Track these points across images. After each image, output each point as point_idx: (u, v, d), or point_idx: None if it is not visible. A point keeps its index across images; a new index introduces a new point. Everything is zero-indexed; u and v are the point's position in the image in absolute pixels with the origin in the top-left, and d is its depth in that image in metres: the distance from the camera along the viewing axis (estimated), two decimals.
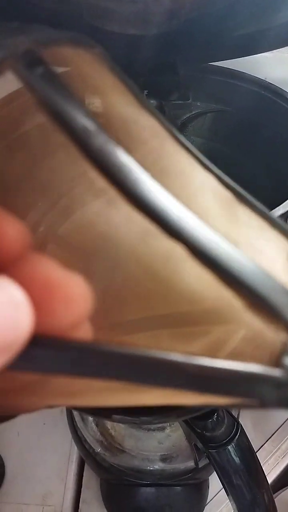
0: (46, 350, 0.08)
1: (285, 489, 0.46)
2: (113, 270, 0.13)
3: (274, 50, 0.39)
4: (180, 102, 0.35)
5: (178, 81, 0.35)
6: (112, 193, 0.10)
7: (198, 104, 0.36)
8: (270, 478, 0.47)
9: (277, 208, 0.27)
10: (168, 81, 0.35)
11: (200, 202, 0.13)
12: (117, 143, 0.10)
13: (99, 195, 0.13)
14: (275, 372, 0.09)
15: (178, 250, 0.09)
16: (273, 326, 0.09)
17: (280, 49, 0.39)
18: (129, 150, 0.10)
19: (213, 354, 0.10)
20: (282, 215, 0.27)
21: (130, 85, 0.14)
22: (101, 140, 0.10)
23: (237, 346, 0.10)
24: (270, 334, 0.09)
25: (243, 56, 0.34)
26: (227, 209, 0.13)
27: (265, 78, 0.36)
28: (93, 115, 0.10)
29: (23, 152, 0.13)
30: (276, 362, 0.09)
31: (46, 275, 0.09)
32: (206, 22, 0.29)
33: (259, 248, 0.12)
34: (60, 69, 0.12)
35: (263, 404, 0.09)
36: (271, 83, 0.34)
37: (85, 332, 0.10)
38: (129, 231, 0.12)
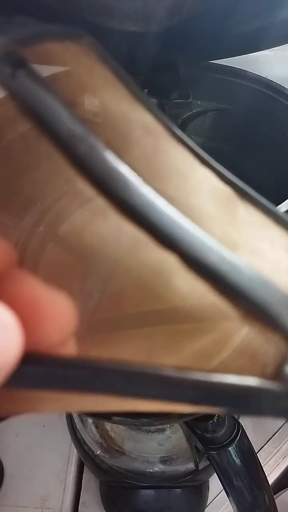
0: (35, 368, 0.08)
1: (286, 490, 0.45)
2: (103, 283, 0.12)
3: (275, 48, 0.39)
4: (180, 101, 0.35)
5: (179, 80, 0.35)
6: (100, 202, 0.09)
7: (199, 102, 0.36)
8: (271, 480, 0.46)
9: (278, 206, 0.26)
10: (169, 80, 0.34)
11: (196, 204, 0.12)
12: (106, 146, 0.09)
13: (85, 204, 0.12)
14: (274, 385, 0.09)
15: (170, 261, 0.09)
16: (271, 337, 0.09)
17: (281, 46, 0.39)
18: (120, 153, 0.09)
19: (208, 365, 0.10)
20: (285, 212, 0.27)
21: (122, 76, 0.13)
22: (88, 145, 0.09)
23: (234, 358, 0.10)
24: (269, 345, 0.09)
25: (244, 54, 0.34)
26: (226, 207, 0.13)
27: (266, 76, 0.35)
28: (81, 117, 0.09)
29: (5, 165, 0.12)
30: (275, 374, 0.09)
31: (31, 293, 0.09)
32: (207, 19, 0.28)
33: (260, 249, 0.12)
34: (44, 68, 0.11)
35: (262, 415, 0.09)
36: (272, 81, 0.34)
37: (71, 348, 0.10)
38: (118, 242, 0.11)
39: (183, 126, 0.36)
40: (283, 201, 0.28)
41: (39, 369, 0.08)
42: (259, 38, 0.32)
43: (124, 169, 0.09)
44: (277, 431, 0.49)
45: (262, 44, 0.33)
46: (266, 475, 0.46)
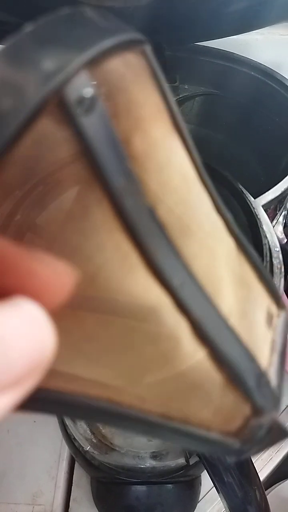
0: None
1: (279, 484, 0.45)
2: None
3: (265, 32, 0.38)
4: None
5: (164, 63, 0.33)
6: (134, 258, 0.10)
7: (186, 87, 0.35)
8: (264, 473, 0.46)
9: (267, 192, 0.25)
10: None
11: (216, 270, 0.13)
12: (148, 200, 0.10)
13: (123, 259, 0.11)
14: (235, 443, 0.11)
15: (183, 327, 0.10)
16: (242, 405, 0.11)
17: (271, 30, 0.38)
18: (158, 201, 0.10)
19: (188, 420, 0.12)
20: (273, 200, 0.26)
21: (166, 96, 0.12)
22: (134, 200, 0.10)
23: (208, 416, 0.12)
24: (239, 411, 0.11)
25: (233, 35, 0.32)
26: (234, 269, 0.14)
27: (256, 60, 0.34)
28: (130, 162, 0.10)
29: (55, 202, 0.11)
30: (236, 433, 0.11)
31: (36, 270, 0.08)
32: None
33: (247, 312, 0.14)
34: (108, 97, 0.10)
35: (218, 455, 0.12)
36: (261, 64, 0.33)
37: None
38: (145, 300, 0.11)
39: None
40: (272, 187, 0.27)
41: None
42: (250, 17, 0.31)
43: (157, 230, 0.10)
44: None
45: (253, 24, 0.32)
46: (259, 469, 0.46)
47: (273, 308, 0.15)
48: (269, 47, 0.40)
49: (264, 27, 0.31)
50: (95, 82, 0.09)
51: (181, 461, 0.39)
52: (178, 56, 0.33)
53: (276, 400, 0.12)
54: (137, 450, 0.40)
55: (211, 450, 0.11)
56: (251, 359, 0.11)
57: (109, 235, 0.10)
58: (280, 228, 0.54)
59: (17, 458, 0.49)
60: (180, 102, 0.34)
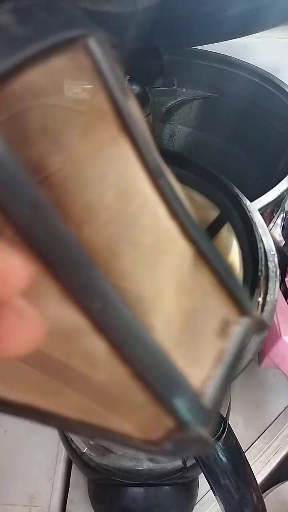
0: None
1: (277, 486, 0.45)
2: None
3: (263, 35, 0.38)
4: (164, 88, 0.34)
5: (163, 66, 0.34)
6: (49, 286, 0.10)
7: (184, 90, 0.35)
8: (262, 476, 0.46)
9: (263, 195, 0.25)
10: (152, 66, 0.33)
11: (153, 285, 0.13)
12: (63, 226, 0.09)
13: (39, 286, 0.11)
14: (155, 450, 0.11)
15: (101, 347, 0.10)
16: (165, 419, 0.11)
17: (269, 33, 0.38)
18: (80, 225, 0.10)
19: (108, 427, 0.12)
20: (269, 203, 0.26)
21: (113, 93, 0.12)
22: (44, 228, 0.09)
23: (128, 426, 0.12)
24: (161, 424, 0.11)
25: (231, 39, 0.32)
26: (184, 279, 0.14)
27: (254, 64, 0.34)
28: (41, 188, 0.09)
29: None
30: (158, 444, 0.11)
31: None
32: (189, 2, 0.27)
33: (191, 324, 0.14)
34: (13, 121, 0.10)
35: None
36: (259, 68, 0.33)
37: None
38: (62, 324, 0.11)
39: (168, 115, 0.35)
40: (269, 190, 0.27)
41: None
42: (249, 21, 0.31)
43: (79, 257, 0.10)
44: (268, 427, 0.49)
45: (252, 27, 0.32)
46: (257, 472, 0.46)
47: (233, 315, 0.15)
48: (267, 50, 0.41)
49: (262, 31, 0.31)
50: None
51: (178, 463, 0.39)
52: (176, 60, 0.34)
53: (205, 414, 0.12)
54: (134, 452, 0.40)
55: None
56: (178, 378, 0.11)
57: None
58: (278, 231, 0.55)
59: (14, 459, 0.49)
60: (178, 105, 0.35)
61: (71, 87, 0.12)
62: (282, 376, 0.52)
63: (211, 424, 0.12)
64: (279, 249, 0.52)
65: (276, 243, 0.51)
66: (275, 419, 0.49)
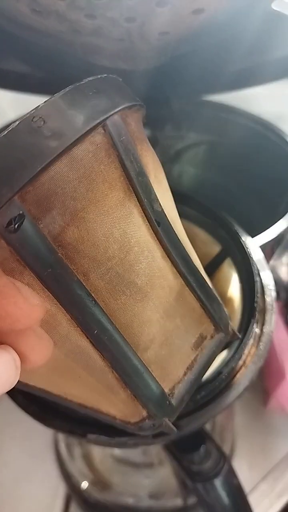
0: None
1: None
2: None
3: (266, 86, 0.41)
4: (173, 134, 0.37)
5: (172, 114, 0.37)
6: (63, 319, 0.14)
7: (192, 135, 0.38)
8: None
9: (263, 233, 0.27)
10: (162, 114, 0.36)
11: (142, 315, 0.16)
12: (74, 275, 0.14)
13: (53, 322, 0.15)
14: (132, 428, 0.17)
15: (98, 359, 0.15)
16: (141, 410, 0.17)
17: (272, 84, 0.41)
18: (88, 273, 0.14)
19: (99, 410, 0.18)
20: (270, 241, 0.28)
21: (123, 162, 0.15)
22: (60, 279, 0.13)
23: (114, 412, 0.17)
24: (138, 413, 0.17)
25: (238, 90, 0.36)
26: (170, 306, 0.17)
27: (257, 113, 0.37)
28: (59, 251, 0.13)
29: None
30: (135, 425, 0.17)
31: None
32: (199, 57, 0.30)
33: (170, 340, 0.17)
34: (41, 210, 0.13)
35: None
36: (261, 118, 0.36)
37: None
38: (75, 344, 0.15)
39: (177, 156, 0.37)
40: (269, 227, 0.28)
41: None
42: (254, 75, 0.34)
43: (85, 297, 0.14)
44: (271, 470, 0.47)
45: (257, 80, 0.35)
46: None
47: (209, 331, 0.19)
48: (269, 101, 0.44)
49: (261, 84, 0.35)
50: (21, 212, 0.12)
51: (178, 501, 0.38)
52: (185, 109, 0.37)
53: (170, 409, 0.17)
54: (134, 488, 0.40)
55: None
56: (151, 384, 0.16)
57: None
58: (284, 269, 0.56)
59: (12, 494, 0.48)
60: (186, 148, 0.37)
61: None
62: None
63: (174, 416, 0.17)
64: (286, 289, 0.52)
65: (282, 281, 0.52)
66: (280, 462, 0.48)
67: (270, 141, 0.35)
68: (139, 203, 0.15)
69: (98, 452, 0.43)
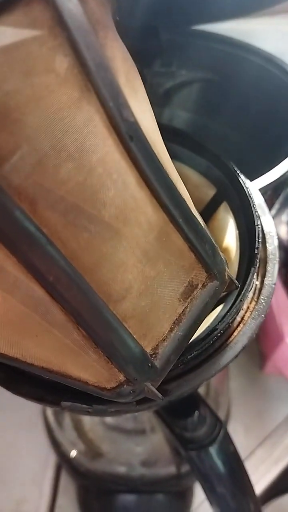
0: None
1: (278, 499, 0.42)
2: None
3: (268, 22, 0.37)
4: (162, 70, 0.32)
5: (161, 47, 0.32)
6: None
7: (183, 72, 0.33)
8: (262, 486, 0.43)
9: (265, 175, 0.24)
10: (150, 47, 0.32)
11: (113, 257, 0.13)
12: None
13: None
14: (107, 395, 0.14)
15: (58, 314, 0.13)
16: (117, 374, 0.14)
17: (274, 20, 0.37)
18: (35, 201, 0.11)
19: (66, 374, 0.15)
20: (270, 184, 0.24)
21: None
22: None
23: (85, 376, 0.14)
24: (114, 377, 0.14)
25: (233, 18, 0.31)
26: (150, 248, 0.14)
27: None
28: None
29: None
30: (111, 391, 0.14)
31: None
32: None
33: (152, 290, 0.14)
34: None
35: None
36: (261, 49, 0.31)
37: None
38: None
39: (167, 97, 0.33)
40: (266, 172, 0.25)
41: None
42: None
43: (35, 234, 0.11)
44: (269, 435, 0.46)
45: (254, 6, 0.31)
46: (257, 482, 0.43)
47: (200, 279, 0.16)
48: (272, 37, 0.39)
49: (264, 9, 0.30)
50: None
51: (172, 469, 0.37)
52: (175, 41, 0.32)
53: (153, 372, 0.14)
54: (126, 456, 0.38)
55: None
56: (127, 341, 0.13)
57: None
58: (284, 228, 0.53)
59: (2, 464, 0.47)
60: (177, 88, 0.33)
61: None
62: (285, 382, 0.49)
63: (159, 380, 0.14)
64: (284, 248, 0.50)
65: (282, 241, 0.49)
66: (277, 427, 0.47)
67: (272, 75, 0.31)
68: (102, 108, 0.12)
69: (88, 420, 0.41)
